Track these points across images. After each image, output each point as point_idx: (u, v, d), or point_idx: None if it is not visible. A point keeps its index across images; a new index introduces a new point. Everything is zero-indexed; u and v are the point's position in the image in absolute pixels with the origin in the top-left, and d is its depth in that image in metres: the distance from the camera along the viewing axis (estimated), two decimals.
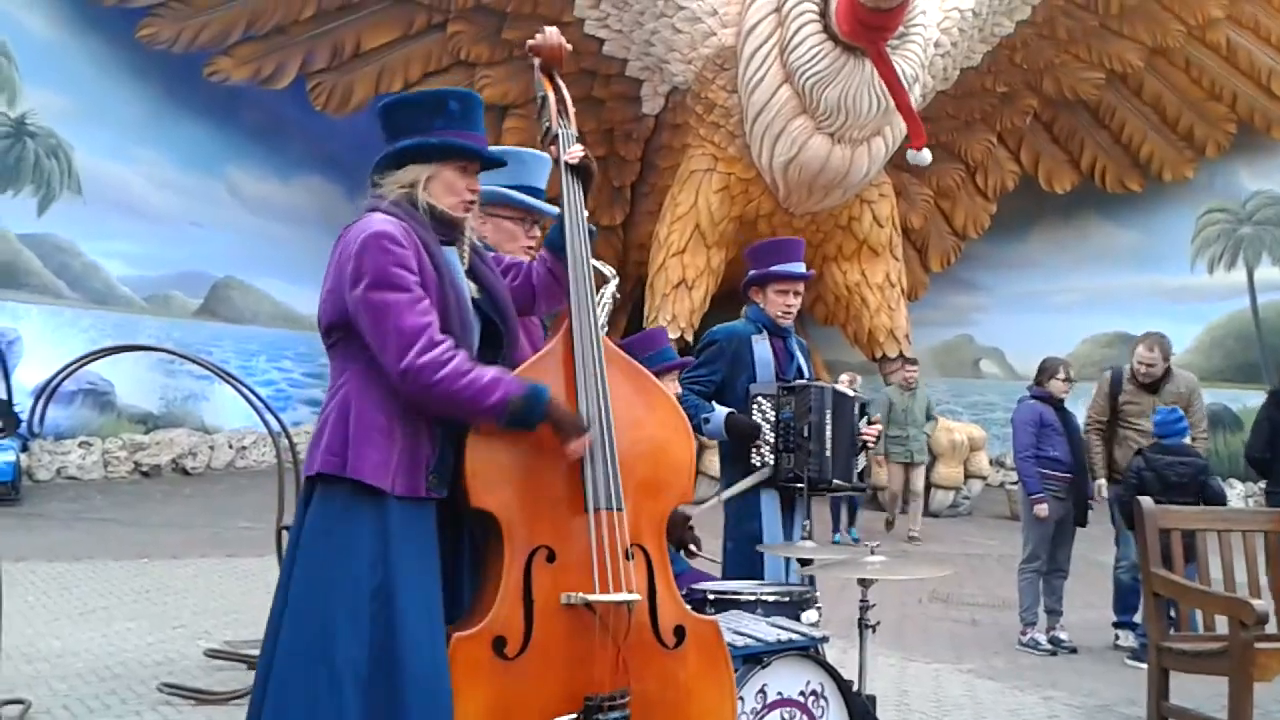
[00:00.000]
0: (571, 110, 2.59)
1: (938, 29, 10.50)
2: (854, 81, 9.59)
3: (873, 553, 3.44)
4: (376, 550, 2.23)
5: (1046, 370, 6.16)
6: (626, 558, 2.25)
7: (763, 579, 3.71)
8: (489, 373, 2.25)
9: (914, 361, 10.27)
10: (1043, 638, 5.91)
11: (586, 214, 2.53)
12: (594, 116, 11.52)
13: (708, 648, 2.35)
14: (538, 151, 2.89)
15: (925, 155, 8.45)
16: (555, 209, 2.69)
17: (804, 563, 3.71)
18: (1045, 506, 5.86)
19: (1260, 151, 12.55)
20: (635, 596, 2.24)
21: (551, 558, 2.23)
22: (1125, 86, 12.45)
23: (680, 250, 10.96)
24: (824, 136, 10.02)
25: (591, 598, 2.20)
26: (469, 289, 2.43)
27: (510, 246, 2.84)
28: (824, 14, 9.50)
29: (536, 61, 2.61)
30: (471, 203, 2.44)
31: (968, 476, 11.21)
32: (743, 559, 3.81)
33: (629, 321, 12.35)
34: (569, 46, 2.61)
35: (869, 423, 4.13)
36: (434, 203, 2.39)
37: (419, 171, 2.39)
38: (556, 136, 2.55)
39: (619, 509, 2.27)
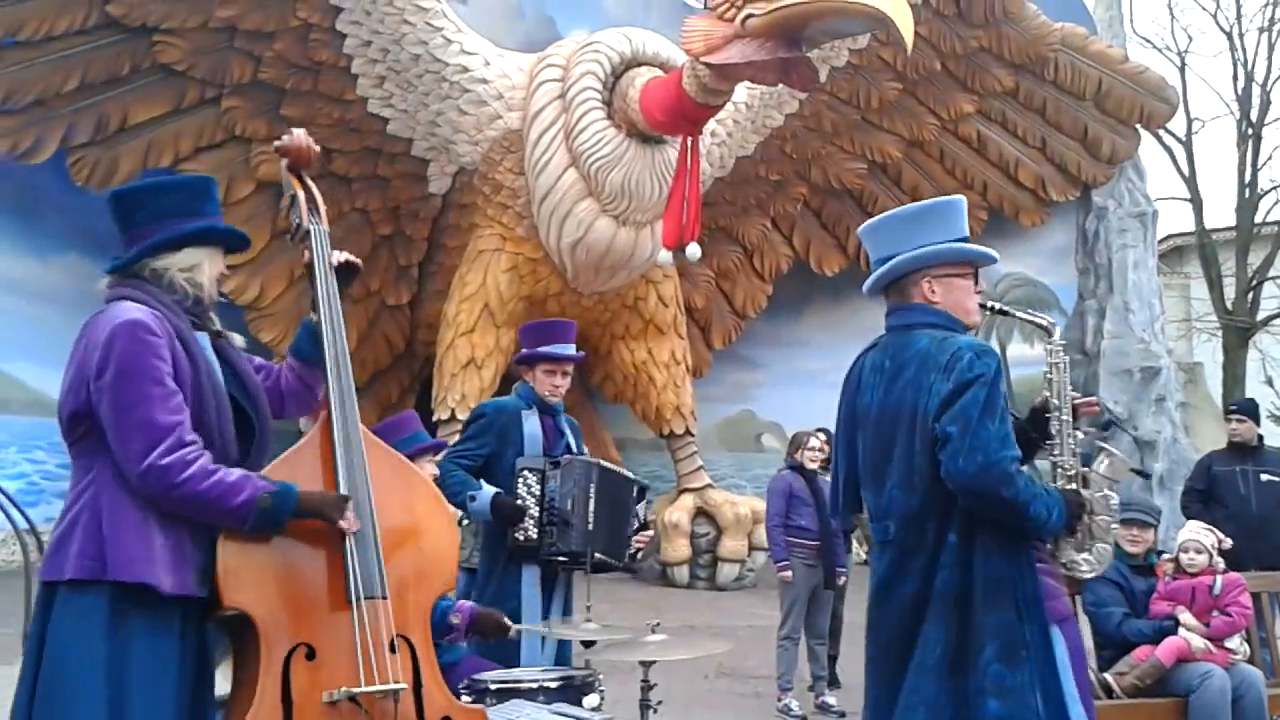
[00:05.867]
0: (323, 208, 2.60)
1: (714, 120, 10.97)
2: (637, 167, 9.89)
3: (654, 631, 3.48)
4: (117, 656, 2.11)
5: (795, 442, 6.54)
6: (391, 649, 2.20)
7: (518, 663, 3.69)
8: (236, 473, 2.19)
9: None
10: (795, 704, 6.13)
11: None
12: (380, 195, 11.41)
13: None
14: (952, 199, 2.97)
15: (666, 256, 8.64)
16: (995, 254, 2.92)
17: (587, 645, 3.70)
18: (790, 572, 6.18)
19: (1009, 236, 13.63)
20: (401, 685, 2.21)
21: (311, 655, 2.18)
22: (886, 176, 13.32)
23: (469, 329, 10.91)
24: (609, 219, 10.25)
25: (356, 690, 2.15)
26: (221, 377, 2.38)
27: (969, 304, 2.89)
28: (608, 102, 9.80)
29: (284, 162, 2.63)
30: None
31: (752, 549, 11.48)
32: (497, 642, 3.73)
33: (417, 401, 12.15)
34: (317, 149, 2.63)
35: (644, 524, 4.22)
36: (204, 284, 2.36)
37: (200, 255, 2.36)
38: (309, 233, 2.54)
39: (384, 596, 2.23)
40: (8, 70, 9.94)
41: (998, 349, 13.28)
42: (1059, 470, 2.83)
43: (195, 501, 2.14)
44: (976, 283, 2.93)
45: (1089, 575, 2.84)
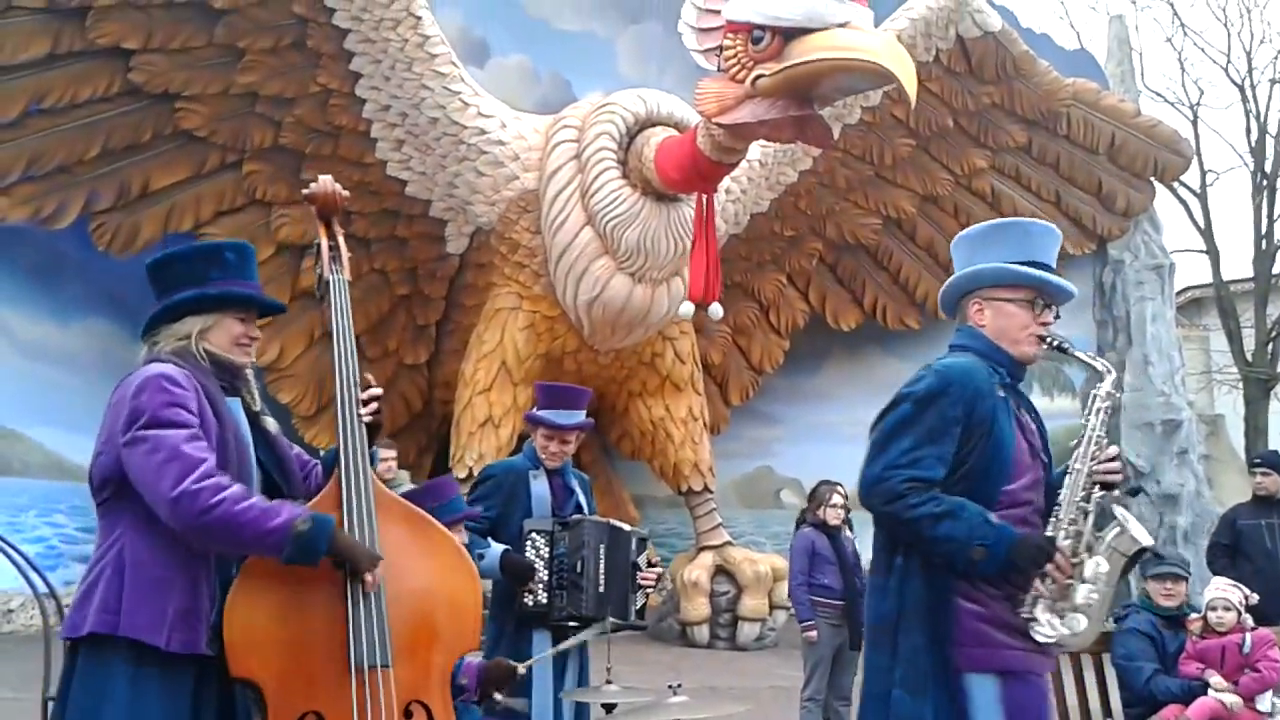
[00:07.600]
0: (346, 258, 2.60)
1: (728, 177, 11.05)
2: (653, 225, 9.95)
3: (675, 693, 3.42)
4: (141, 713, 2.10)
5: (817, 498, 6.43)
6: (406, 715, 2.17)
7: None
8: (270, 501, 2.18)
9: None
10: None
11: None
12: (398, 256, 11.51)
13: None
14: (1045, 223, 2.87)
15: (688, 308, 8.60)
16: (1070, 286, 2.78)
17: (608, 708, 3.65)
18: (815, 632, 6.06)
19: None
20: None
21: None
22: (901, 231, 13.35)
23: (486, 388, 10.91)
24: (625, 276, 10.29)
25: None
26: (251, 441, 2.38)
27: (1018, 335, 2.75)
28: (623, 162, 9.89)
29: (313, 209, 2.64)
30: (250, 346, 2.42)
31: (773, 608, 11.35)
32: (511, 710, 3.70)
33: (435, 460, 12.14)
34: (346, 195, 2.64)
35: (649, 562, 4.15)
36: (213, 350, 2.36)
37: (196, 323, 2.36)
38: (329, 285, 2.55)
39: (386, 665, 2.18)
40: (32, 138, 10.11)
41: None
42: (1053, 520, 2.61)
43: (229, 526, 2.11)
44: (1041, 313, 2.77)
45: (1043, 641, 2.55)
